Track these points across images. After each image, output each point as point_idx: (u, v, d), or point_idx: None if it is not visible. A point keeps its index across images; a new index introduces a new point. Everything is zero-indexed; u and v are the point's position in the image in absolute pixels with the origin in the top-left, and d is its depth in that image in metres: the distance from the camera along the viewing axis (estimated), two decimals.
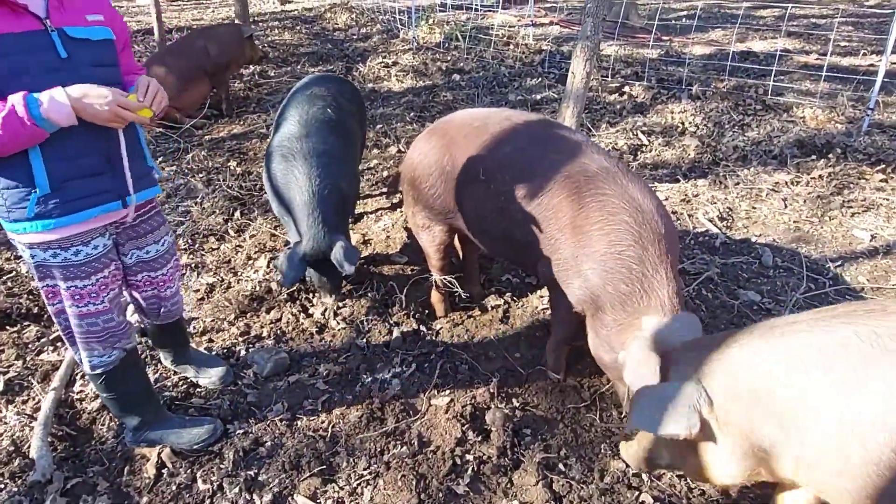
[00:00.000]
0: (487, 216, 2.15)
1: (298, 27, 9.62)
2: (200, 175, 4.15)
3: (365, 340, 2.53)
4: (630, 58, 6.79)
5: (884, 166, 3.98)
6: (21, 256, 1.74)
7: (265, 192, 3.86)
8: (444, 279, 2.61)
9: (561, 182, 1.95)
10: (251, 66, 6.40)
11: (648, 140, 4.65)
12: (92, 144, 1.57)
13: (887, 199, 3.64)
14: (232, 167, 4.28)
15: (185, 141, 4.75)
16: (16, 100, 1.39)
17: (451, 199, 2.30)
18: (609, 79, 5.95)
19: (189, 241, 3.32)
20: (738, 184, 3.95)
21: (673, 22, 9.06)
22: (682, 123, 4.93)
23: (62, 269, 1.64)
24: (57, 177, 1.52)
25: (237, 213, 3.64)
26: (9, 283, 2.92)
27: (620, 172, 1.98)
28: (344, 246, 2.24)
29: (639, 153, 4.49)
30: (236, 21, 7.52)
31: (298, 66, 6.93)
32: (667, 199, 3.80)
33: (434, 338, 2.59)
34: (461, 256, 2.84)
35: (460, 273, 2.77)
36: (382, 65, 6.79)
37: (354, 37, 8.60)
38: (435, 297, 2.72)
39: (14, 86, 1.42)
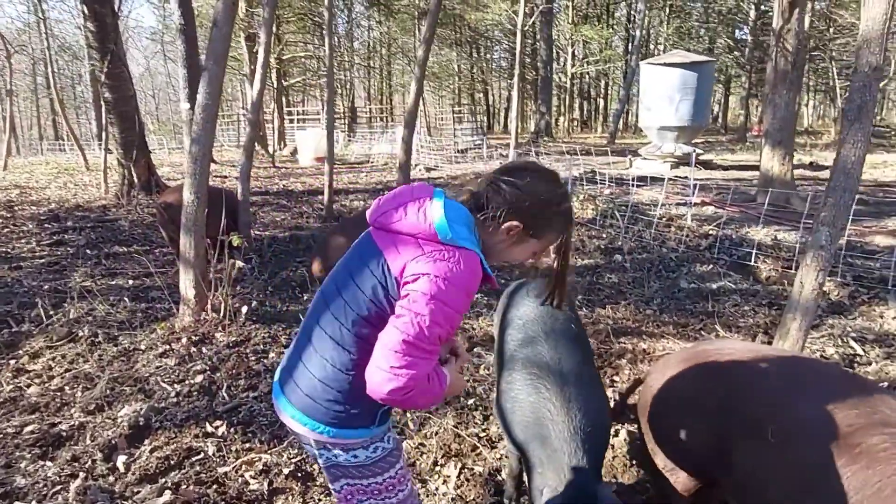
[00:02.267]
0: (776, 487, 1.75)
1: None
2: None
3: None
4: None
5: None
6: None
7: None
8: None
9: None
10: None
11: (864, 350, 4.07)
12: None
13: None
14: None
15: None
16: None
17: (713, 448, 1.93)
18: (792, 270, 5.51)
19: None
20: None
21: None
22: None
23: (397, 453, 1.59)
24: None
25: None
26: (197, 467, 2.82)
27: None
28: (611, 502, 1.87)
29: (854, 365, 3.92)
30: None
31: None
32: None
33: None
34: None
35: None
36: None
37: None
38: None
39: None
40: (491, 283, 1.42)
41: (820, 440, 1.68)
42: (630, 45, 31.63)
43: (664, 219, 7.15)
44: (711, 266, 5.79)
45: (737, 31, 31.64)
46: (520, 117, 39.53)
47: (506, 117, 43.74)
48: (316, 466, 2.81)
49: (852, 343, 4.16)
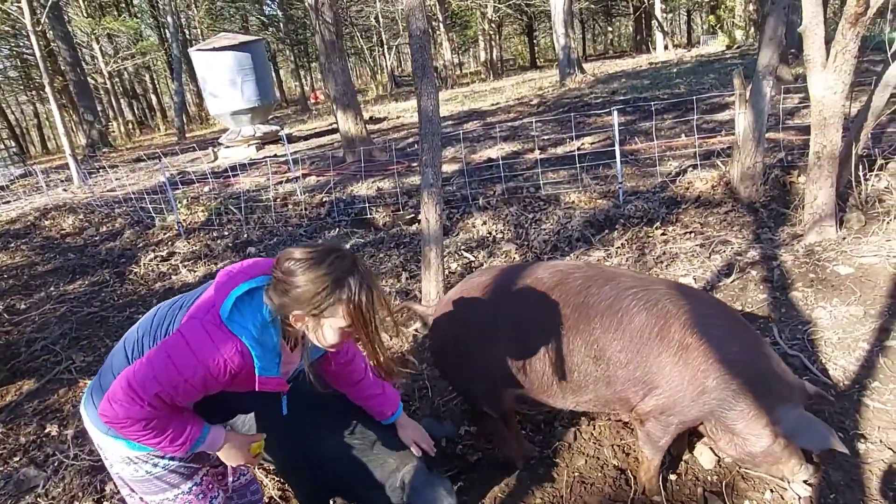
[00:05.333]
0: (569, 369, 2.12)
1: (13, 244, 8.21)
2: (17, 459, 3.20)
3: None
4: (411, 188, 7.30)
5: (657, 223, 4.96)
6: None
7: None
8: None
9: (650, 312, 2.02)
10: None
11: (474, 257, 5.04)
12: None
13: (678, 248, 4.53)
14: (55, 433, 3.40)
15: None
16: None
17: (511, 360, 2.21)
18: (401, 211, 6.34)
19: None
20: None
21: (408, 149, 10.11)
22: (491, 233, 5.47)
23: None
24: None
25: (108, 487, 2.88)
26: None
27: (650, 279, 2.20)
28: None
29: (472, 268, 4.83)
30: None
31: (52, 289, 5.89)
32: None
33: None
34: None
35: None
36: (159, 259, 6.17)
37: (97, 238, 7.67)
38: None
39: None
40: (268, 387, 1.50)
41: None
42: (165, 32, 29.87)
43: (278, 200, 7.29)
44: (338, 229, 6.23)
45: (266, 7, 32.97)
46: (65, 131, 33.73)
47: (40, 136, 36.92)
48: None
49: (465, 254, 5.10)
